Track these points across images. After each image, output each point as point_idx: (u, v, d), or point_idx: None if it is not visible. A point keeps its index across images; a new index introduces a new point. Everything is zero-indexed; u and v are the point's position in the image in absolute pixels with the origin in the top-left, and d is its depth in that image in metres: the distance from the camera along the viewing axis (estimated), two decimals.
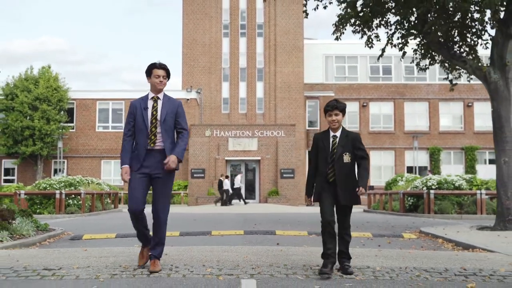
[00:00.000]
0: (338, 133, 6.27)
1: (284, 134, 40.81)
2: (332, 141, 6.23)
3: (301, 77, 44.76)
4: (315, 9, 14.30)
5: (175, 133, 6.49)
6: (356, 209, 25.56)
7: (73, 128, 41.62)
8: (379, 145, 45.69)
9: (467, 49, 14.02)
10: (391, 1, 13.79)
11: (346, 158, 6.17)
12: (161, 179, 6.34)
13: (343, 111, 6.25)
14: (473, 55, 13.89)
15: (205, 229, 12.76)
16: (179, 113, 6.51)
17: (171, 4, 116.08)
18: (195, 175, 40.26)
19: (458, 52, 13.87)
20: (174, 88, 45.66)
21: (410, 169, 44.16)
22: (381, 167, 45.49)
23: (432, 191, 20.95)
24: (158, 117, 6.33)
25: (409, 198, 22.41)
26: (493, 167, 44.00)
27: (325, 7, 14.29)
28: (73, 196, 21.93)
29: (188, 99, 41.95)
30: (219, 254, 7.63)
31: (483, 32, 13.60)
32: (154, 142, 6.32)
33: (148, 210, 6.24)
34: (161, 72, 6.41)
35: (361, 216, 21.26)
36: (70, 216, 20.37)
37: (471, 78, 14.60)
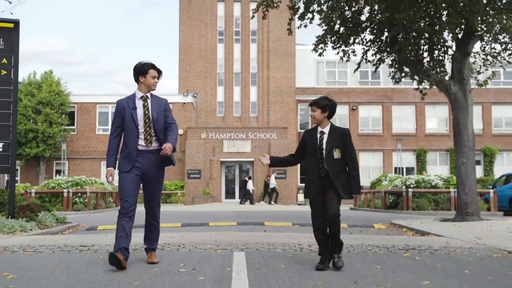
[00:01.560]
0: (326, 129, 6.26)
1: (277, 137, 42.65)
2: (320, 137, 6.23)
3: (293, 82, 46.61)
4: (298, 28, 16.14)
5: (165, 129, 6.45)
6: (343, 207, 27.42)
7: (74, 131, 43.34)
8: (368, 147, 47.51)
9: (435, 63, 15.89)
10: (367, 21, 15.64)
11: (336, 154, 6.16)
12: (154, 178, 6.40)
13: (323, 107, 6.24)
14: (441, 69, 15.77)
15: (203, 221, 14.61)
16: (167, 111, 6.55)
17: (168, 5, 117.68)
18: (191, 175, 42.03)
19: (426, 66, 15.74)
20: (171, 92, 47.37)
21: (398, 170, 46.04)
22: (369, 168, 47.29)
23: (410, 190, 22.80)
24: (151, 117, 6.34)
25: (390, 196, 24.29)
26: (477, 168, 46.12)
27: (305, 26, 16.08)
28: (79, 194, 23.72)
29: (184, 103, 43.74)
30: (216, 237, 9.46)
31: (447, 49, 15.48)
32: (150, 142, 6.31)
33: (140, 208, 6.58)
34: (156, 73, 6.49)
35: (346, 213, 23.07)
36: (77, 213, 22.09)
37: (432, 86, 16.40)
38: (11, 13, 15.70)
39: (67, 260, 6.70)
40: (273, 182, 39.05)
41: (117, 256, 5.76)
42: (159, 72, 6.52)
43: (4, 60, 12.06)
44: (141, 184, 6.44)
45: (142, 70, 6.42)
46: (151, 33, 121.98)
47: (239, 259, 6.71)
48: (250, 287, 4.92)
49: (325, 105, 6.25)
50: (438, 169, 45.66)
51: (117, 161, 6.47)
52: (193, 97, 44.95)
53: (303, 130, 47.73)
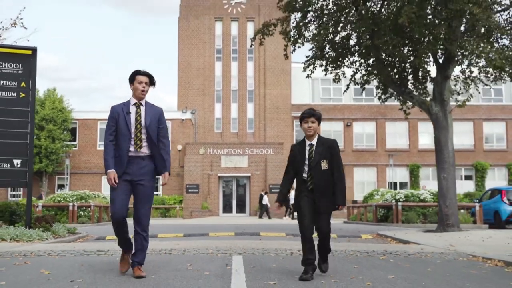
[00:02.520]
0: (314, 141, 6.35)
1: (273, 152, 43.80)
2: (309, 149, 6.31)
3: (289, 99, 47.84)
4: (292, 52, 17.36)
5: (157, 141, 6.48)
6: (336, 221, 28.56)
7: (75, 146, 44.44)
8: (362, 162, 48.64)
9: (419, 85, 17.10)
10: (355, 45, 16.86)
11: (324, 165, 6.25)
12: (144, 185, 6.36)
13: (319, 119, 6.33)
14: (424, 91, 16.98)
15: (203, 232, 15.73)
16: (161, 121, 6.56)
17: (164, 23, 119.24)
18: (189, 190, 43.09)
19: (410, 88, 16.94)
20: (170, 109, 48.50)
21: (391, 185, 47.17)
22: (364, 183, 48.39)
23: (400, 203, 23.87)
24: (142, 123, 6.38)
25: (380, 210, 25.39)
26: (468, 183, 47.42)
27: (299, 47, 17.22)
28: (84, 208, 24.79)
29: (183, 119, 44.94)
30: (216, 244, 10.59)
31: (429, 72, 16.69)
32: (140, 147, 6.35)
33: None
34: (144, 79, 6.45)
35: (339, 225, 24.15)
36: (82, 225, 23.12)
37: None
38: (28, 40, 16.86)
39: (89, 262, 7.80)
40: (266, 201, 39.87)
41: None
42: (148, 77, 6.51)
43: (23, 84, 13.22)
44: (132, 192, 6.41)
45: (130, 78, 6.52)
46: (147, 48, 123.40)
47: (237, 260, 7.82)
48: (247, 280, 6.02)
49: (320, 116, 6.38)
50: (431, 184, 46.65)
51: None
52: (192, 114, 46.15)
53: None
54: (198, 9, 48.14)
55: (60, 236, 13.45)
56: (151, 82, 6.54)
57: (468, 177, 48.85)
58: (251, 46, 18.49)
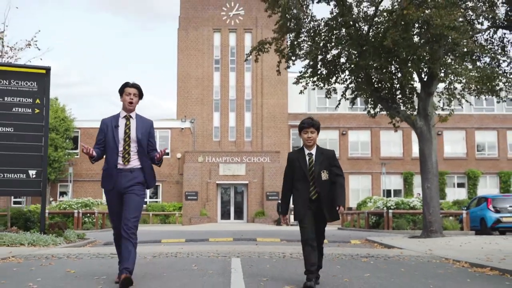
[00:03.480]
0: (313, 151, 6.34)
1: (270, 160, 44.95)
2: (309, 159, 6.29)
3: (286, 108, 49.02)
4: (286, 69, 18.52)
5: (147, 153, 6.54)
6: (331, 227, 29.70)
7: (77, 155, 45.53)
8: (357, 170, 49.78)
9: (406, 100, 18.26)
10: (346, 63, 18.00)
11: (324, 175, 6.27)
12: (134, 193, 6.37)
13: (318, 129, 6.33)
14: (411, 105, 18.15)
15: (204, 238, 16.85)
16: (151, 134, 6.59)
17: (163, 29, 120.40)
18: (188, 197, 44.19)
19: (398, 103, 18.09)
20: (168, 115, 49.66)
21: (386, 192, 48.30)
22: (359, 190, 49.50)
23: (390, 211, 25.01)
24: (132, 136, 6.38)
25: (372, 217, 26.53)
26: (461, 190, 48.55)
27: (293, 64, 18.41)
28: (88, 215, 25.89)
29: (182, 128, 46.09)
30: (216, 248, 11.71)
31: (416, 88, 17.86)
32: (128, 161, 6.36)
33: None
34: (132, 90, 6.48)
35: (332, 232, 25.26)
36: (86, 231, 24.21)
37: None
38: (41, 59, 18.02)
39: (106, 263, 8.90)
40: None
41: (127, 281, 6.01)
42: (137, 89, 6.56)
43: (38, 101, 14.33)
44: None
45: (119, 90, 6.57)
46: (145, 55, 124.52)
47: (235, 262, 8.92)
48: (244, 276, 7.12)
49: (319, 126, 6.40)
50: None
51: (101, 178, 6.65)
52: (191, 123, 47.30)
53: None
54: (197, 20, 49.39)
55: (71, 241, 14.54)
56: (140, 94, 6.57)
57: (460, 185, 50.01)
58: (246, 60, 19.64)
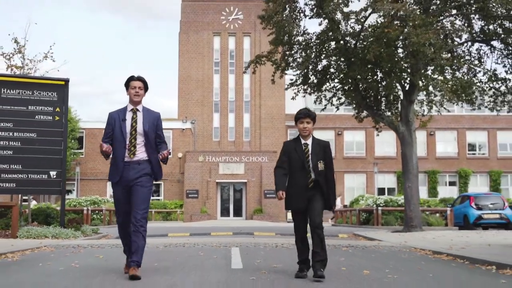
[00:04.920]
0: (309, 141, 6.40)
1: (268, 160, 46.66)
2: (305, 149, 6.35)
3: (283, 109, 50.72)
4: (280, 78, 20.26)
5: (155, 145, 6.57)
6: (324, 224, 31.40)
7: (82, 154, 47.24)
8: (352, 169, 51.50)
9: (391, 106, 19.99)
10: (335, 72, 19.71)
11: (321, 166, 6.34)
12: (141, 186, 6.40)
13: (314, 119, 6.38)
14: (395, 111, 19.87)
15: (206, 232, 18.58)
16: (159, 126, 6.61)
17: (162, 28, 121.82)
18: (189, 195, 45.91)
19: (383, 109, 19.80)
20: (169, 113, 51.41)
21: (380, 191, 50.02)
22: (354, 188, 51.17)
23: (380, 208, 26.73)
24: (138, 129, 6.41)
25: (363, 214, 28.25)
26: (452, 188, 50.20)
27: (285, 73, 20.12)
28: (96, 211, 27.60)
29: (183, 129, 47.82)
30: (218, 240, 13.43)
31: (400, 96, 19.59)
32: (134, 154, 6.39)
33: None
34: (137, 84, 6.51)
35: (326, 228, 26.97)
36: (95, 227, 25.92)
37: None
38: (58, 70, 19.74)
39: None
40: (338, 202, 42.04)
41: (136, 275, 6.17)
42: (143, 82, 6.61)
43: (58, 109, 16.00)
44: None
45: (125, 85, 6.63)
46: (145, 54, 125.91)
47: (235, 250, 10.62)
48: (242, 259, 8.80)
49: (315, 116, 6.46)
50: None
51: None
52: (191, 124, 49.03)
53: None
54: (197, 24, 51.10)
55: (88, 235, 16.25)
56: (145, 86, 6.63)
57: (452, 183, 51.74)
58: (244, 72, 21.36)
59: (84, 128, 47.24)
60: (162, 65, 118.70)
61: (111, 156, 6.51)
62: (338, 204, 40.94)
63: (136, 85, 6.49)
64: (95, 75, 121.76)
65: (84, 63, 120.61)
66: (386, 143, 51.80)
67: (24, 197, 20.38)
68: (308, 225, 6.48)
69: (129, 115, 6.48)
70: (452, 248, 11.12)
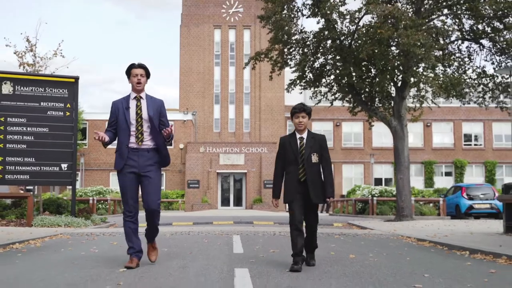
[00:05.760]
0: (304, 135, 6.48)
1: (267, 151, 47.67)
2: (300, 143, 6.43)
3: (282, 101, 51.67)
4: (278, 75, 21.18)
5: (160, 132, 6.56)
6: (323, 213, 32.49)
7: (86, 145, 48.24)
8: (350, 160, 52.53)
9: (385, 102, 20.94)
10: (332, 68, 20.64)
11: (314, 158, 6.41)
12: (151, 177, 6.45)
13: (309, 114, 6.47)
14: (388, 105, 20.81)
15: (208, 221, 19.59)
16: (162, 113, 6.61)
17: (160, 17, 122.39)
18: (191, 185, 46.95)
19: (377, 104, 20.75)
20: (170, 107, 52.26)
21: (378, 180, 51.05)
22: (352, 179, 52.25)
23: (375, 198, 27.73)
24: (144, 116, 6.42)
25: (359, 204, 29.25)
26: (448, 178, 51.23)
27: (284, 68, 21.06)
28: (101, 201, 28.60)
29: (185, 120, 48.77)
30: (220, 229, 14.43)
31: (393, 92, 20.54)
32: (142, 141, 6.39)
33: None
34: (139, 71, 6.48)
35: (322, 217, 27.98)
36: (101, 217, 26.92)
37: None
38: (67, 67, 20.66)
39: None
40: None
41: (131, 266, 6.46)
42: (144, 69, 6.59)
43: (68, 105, 16.93)
44: (140, 184, 6.56)
45: (126, 72, 6.61)
46: (143, 44, 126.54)
47: (236, 237, 11.60)
48: (242, 245, 9.77)
49: (310, 111, 6.54)
50: (413, 180, 50.47)
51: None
52: (193, 115, 50.00)
53: None
54: (198, 17, 51.95)
55: (97, 223, 17.23)
56: (147, 73, 6.61)
57: (448, 174, 52.77)
58: (244, 68, 22.29)
59: (87, 119, 48.19)
60: (162, 53, 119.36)
61: (108, 141, 6.52)
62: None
63: (137, 72, 6.48)
64: (94, 64, 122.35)
65: (83, 51, 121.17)
66: (384, 134, 52.68)
67: (28, 188, 21.28)
68: (303, 215, 6.51)
69: (133, 103, 6.49)
70: (435, 236, 12.07)
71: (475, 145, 53.39)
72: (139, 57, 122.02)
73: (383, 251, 9.17)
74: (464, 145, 53.18)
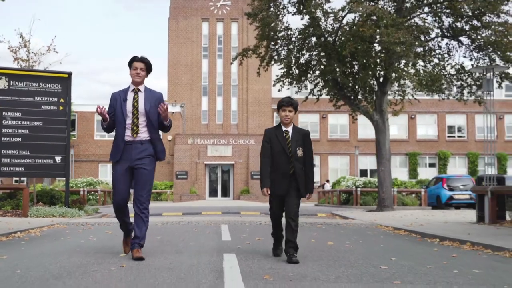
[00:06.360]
0: (290, 129, 6.54)
1: (254, 142, 48.38)
2: (285, 136, 6.48)
3: (269, 93, 52.35)
4: (265, 71, 21.87)
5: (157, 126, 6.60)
6: (308, 204, 33.27)
7: (75, 137, 48.67)
8: (336, 151, 53.36)
9: (368, 96, 21.70)
10: (317, 64, 21.36)
11: (299, 152, 6.48)
12: (144, 169, 6.48)
13: (296, 108, 6.50)
14: (371, 100, 21.58)
15: (197, 212, 20.30)
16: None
17: (149, 8, 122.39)
18: (179, 176, 47.64)
19: (360, 98, 21.51)
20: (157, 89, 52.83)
21: (363, 172, 51.93)
22: (337, 170, 53.09)
23: (358, 189, 28.55)
24: (140, 109, 6.44)
25: (343, 194, 30.07)
26: (432, 169, 52.18)
27: (271, 64, 21.75)
28: (92, 192, 29.20)
29: (173, 112, 49.30)
30: (209, 218, 15.15)
31: (375, 89, 21.31)
32: (136, 133, 6.43)
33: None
34: (139, 65, 6.51)
35: (307, 207, 28.78)
36: (91, 207, 27.52)
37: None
38: (60, 62, 21.20)
39: None
40: (328, 186, 43.48)
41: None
42: (145, 63, 6.60)
43: (62, 99, 17.52)
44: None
45: (128, 65, 6.62)
46: (131, 35, 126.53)
47: (224, 227, 12.31)
48: (230, 234, 10.47)
49: (297, 105, 6.57)
50: (397, 171, 51.55)
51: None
52: (181, 107, 50.63)
53: None
54: (186, 10, 52.45)
55: (90, 214, 17.88)
56: (148, 68, 6.63)
57: (432, 165, 53.78)
58: (231, 63, 22.97)
59: (76, 111, 48.55)
60: (149, 46, 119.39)
61: (108, 121, 6.52)
62: (328, 186, 42.77)
63: (138, 66, 6.51)
64: (82, 55, 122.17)
65: (71, 42, 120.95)
66: (369, 126, 52.58)
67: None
68: (283, 210, 6.65)
69: (130, 95, 6.52)
70: (411, 225, 12.86)
71: (458, 137, 54.39)
72: (127, 48, 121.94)
73: (360, 239, 9.92)
74: (448, 137, 54.17)
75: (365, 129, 53.18)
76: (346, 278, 5.18)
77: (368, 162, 52.58)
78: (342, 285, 4.79)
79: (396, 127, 53.96)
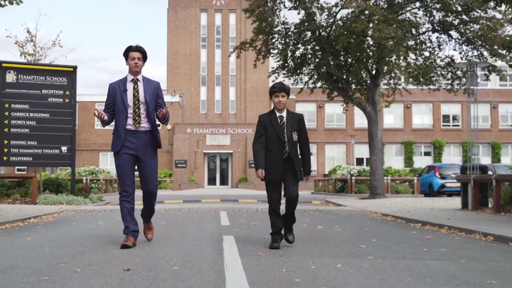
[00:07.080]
0: (284, 114, 6.55)
1: (252, 131, 49.09)
2: (280, 121, 6.49)
3: (267, 83, 52.90)
4: (262, 63, 22.68)
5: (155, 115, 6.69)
6: (304, 192, 34.17)
7: (76, 126, 49.38)
8: (333, 140, 54.19)
9: (360, 88, 22.52)
10: (312, 58, 22.16)
11: (295, 137, 6.51)
12: (149, 160, 6.63)
13: (288, 93, 6.50)
14: (364, 92, 22.41)
15: (197, 199, 21.17)
16: (159, 95, 6.70)
17: None
18: (178, 165, 48.51)
19: (351, 92, 22.33)
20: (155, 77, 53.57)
21: (359, 160, 52.80)
22: (334, 158, 53.94)
23: (353, 177, 29.43)
24: (141, 98, 6.50)
25: (338, 183, 30.96)
26: (427, 158, 53.01)
27: (267, 57, 22.56)
28: (94, 181, 30.06)
29: (172, 102, 50.13)
30: (208, 206, 16.01)
31: (368, 81, 22.13)
32: (139, 123, 6.50)
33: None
34: (136, 55, 6.52)
35: (305, 196, 29.62)
36: (94, 195, 28.39)
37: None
38: (65, 57, 21.99)
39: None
40: None
41: (128, 244, 6.46)
42: (141, 53, 6.62)
43: (67, 92, 18.34)
44: (137, 166, 6.70)
45: (124, 55, 6.64)
46: (129, 23, 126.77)
47: (223, 213, 13.16)
48: (229, 219, 11.32)
49: (289, 91, 6.56)
50: (393, 159, 52.47)
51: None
52: (180, 97, 51.42)
53: None
54: (185, 1, 53.11)
55: (94, 202, 18.74)
56: (144, 57, 6.65)
57: (427, 153, 54.65)
58: (229, 56, 23.75)
59: (77, 101, 49.26)
60: (148, 35, 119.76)
61: (107, 121, 6.62)
62: None
63: (135, 55, 6.52)
64: (80, 43, 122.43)
65: (69, 30, 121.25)
66: (364, 116, 54.31)
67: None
68: (281, 196, 6.68)
69: (130, 85, 6.55)
70: (399, 212, 13.69)
71: (453, 125, 55.23)
72: (126, 37, 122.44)
73: (348, 223, 10.78)
74: (443, 125, 54.99)
75: (362, 118, 53.54)
76: (328, 254, 6.04)
77: (364, 150, 53.22)
78: (323, 260, 5.64)
79: (392, 116, 54.82)
